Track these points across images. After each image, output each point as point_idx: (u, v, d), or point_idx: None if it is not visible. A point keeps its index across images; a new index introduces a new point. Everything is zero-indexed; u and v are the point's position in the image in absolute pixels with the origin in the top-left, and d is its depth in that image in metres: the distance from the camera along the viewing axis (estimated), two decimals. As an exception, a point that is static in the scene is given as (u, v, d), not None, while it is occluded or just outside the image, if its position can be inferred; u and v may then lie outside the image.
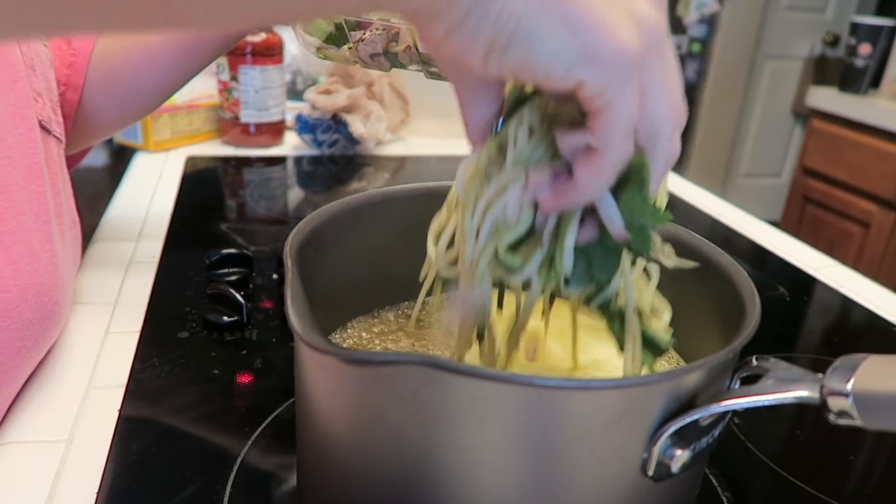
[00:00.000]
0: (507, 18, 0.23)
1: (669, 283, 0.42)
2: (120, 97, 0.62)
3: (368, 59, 0.50)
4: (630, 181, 0.28)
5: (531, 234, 0.31)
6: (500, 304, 0.36)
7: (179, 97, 1.12)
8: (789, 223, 2.22)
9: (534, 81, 0.26)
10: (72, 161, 0.64)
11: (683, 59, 2.81)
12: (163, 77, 0.62)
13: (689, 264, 0.34)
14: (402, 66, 0.51)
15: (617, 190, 0.29)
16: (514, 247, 0.31)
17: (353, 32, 0.50)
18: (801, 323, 0.70)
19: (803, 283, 0.77)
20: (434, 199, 0.45)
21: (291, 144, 1.13)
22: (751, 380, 0.31)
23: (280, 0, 0.21)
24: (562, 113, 0.29)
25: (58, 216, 0.51)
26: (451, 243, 0.36)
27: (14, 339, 0.44)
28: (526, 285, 0.31)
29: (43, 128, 0.51)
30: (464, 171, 0.32)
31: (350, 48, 0.51)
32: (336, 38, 0.51)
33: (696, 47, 2.80)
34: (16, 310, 0.43)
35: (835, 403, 0.27)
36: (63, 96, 0.58)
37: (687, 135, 2.95)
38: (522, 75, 0.25)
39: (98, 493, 0.39)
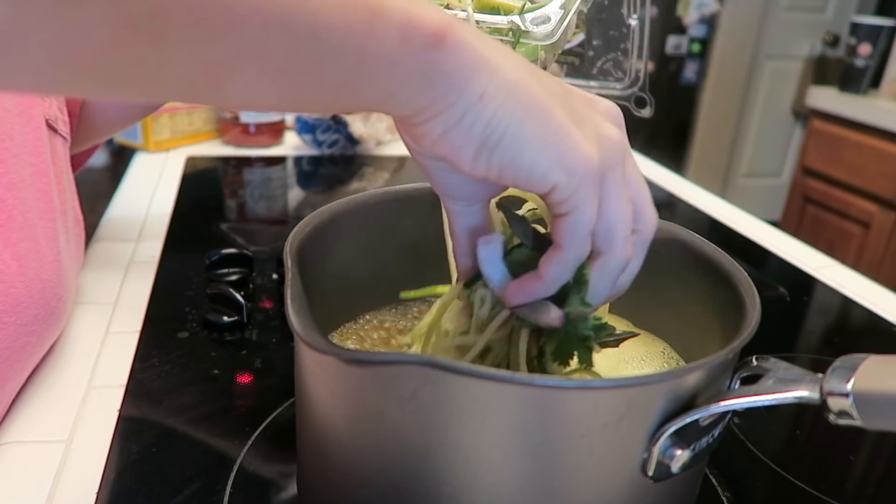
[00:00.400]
0: (498, 122, 0.27)
1: (670, 284, 0.42)
2: None
3: None
4: (573, 287, 0.31)
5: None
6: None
7: (179, 97, 1.12)
8: (789, 223, 2.22)
9: (514, 181, 0.28)
10: (77, 162, 0.64)
11: (683, 59, 2.81)
12: None
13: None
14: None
15: (561, 299, 0.31)
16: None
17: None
18: (801, 323, 0.70)
19: (803, 283, 0.77)
20: (434, 200, 0.45)
21: (291, 144, 1.13)
22: (751, 380, 0.30)
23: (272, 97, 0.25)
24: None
25: (62, 213, 0.52)
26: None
27: (20, 333, 0.44)
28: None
29: (49, 126, 0.52)
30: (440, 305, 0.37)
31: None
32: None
33: (696, 47, 2.79)
34: (21, 305, 0.44)
35: (835, 403, 0.27)
36: None
37: (687, 135, 2.96)
38: (506, 174, 0.28)
39: (98, 493, 0.39)
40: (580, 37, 0.56)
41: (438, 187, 0.33)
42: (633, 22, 0.55)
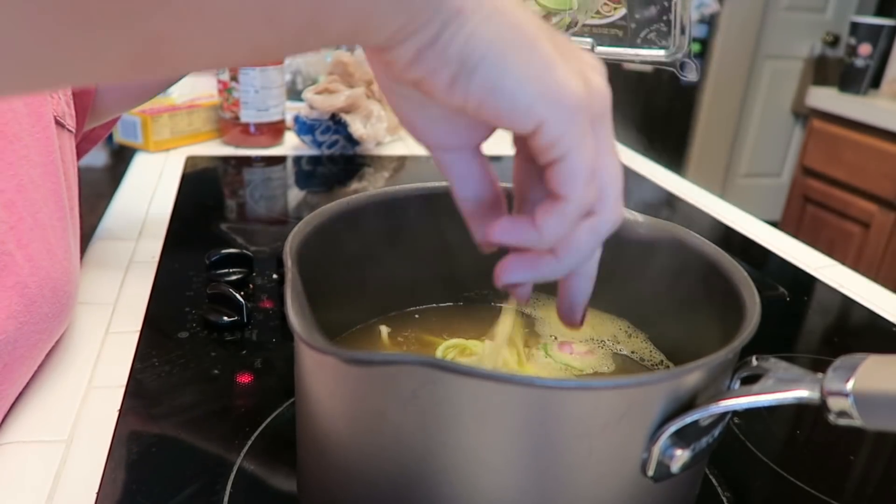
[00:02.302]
0: (478, 41, 0.23)
1: (670, 284, 0.42)
2: None
3: None
4: None
5: None
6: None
7: (179, 97, 1.12)
8: (789, 223, 2.22)
9: (496, 114, 0.25)
10: (94, 137, 0.65)
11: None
12: None
13: None
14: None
15: None
16: None
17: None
18: (801, 323, 0.70)
19: (803, 283, 0.77)
20: (434, 200, 0.45)
21: (291, 144, 1.13)
22: (751, 380, 0.30)
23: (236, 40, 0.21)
24: None
25: (70, 210, 0.52)
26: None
27: (33, 331, 0.45)
28: None
29: (57, 123, 0.52)
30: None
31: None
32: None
33: (696, 47, 2.80)
34: (34, 304, 0.44)
35: (835, 403, 0.27)
36: None
37: (687, 135, 2.96)
38: (486, 105, 0.25)
39: (98, 493, 0.39)
40: (622, 11, 0.57)
41: (415, 131, 0.29)
42: None
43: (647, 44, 0.58)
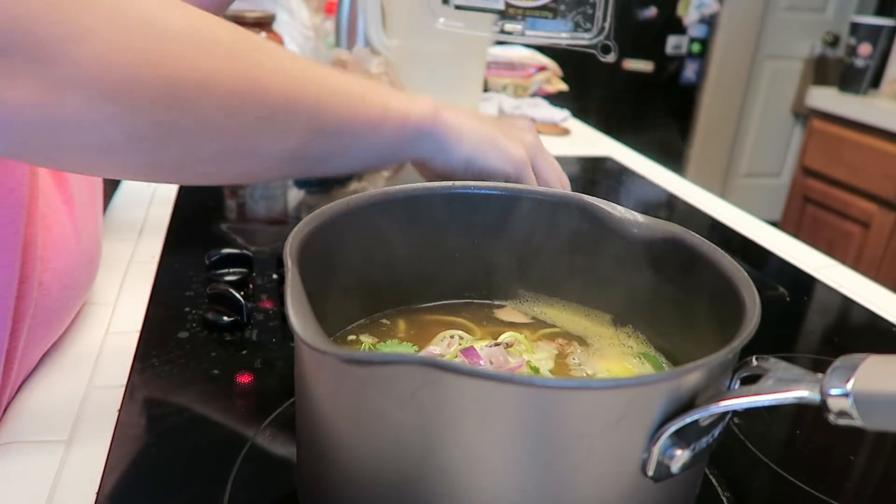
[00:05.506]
0: (472, 152, 0.48)
1: (670, 283, 0.42)
2: None
3: None
4: None
5: None
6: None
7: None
8: (789, 223, 2.22)
9: (483, 178, 0.49)
10: None
11: (683, 59, 2.81)
12: None
13: None
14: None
15: None
16: None
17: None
18: (801, 323, 0.70)
19: (803, 283, 0.77)
20: (434, 199, 0.46)
21: (291, 144, 1.12)
22: (751, 380, 0.30)
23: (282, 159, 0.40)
24: None
25: (99, 184, 0.61)
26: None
27: (69, 297, 0.52)
28: None
29: None
30: None
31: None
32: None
33: (696, 47, 2.80)
34: (75, 271, 0.52)
35: (835, 403, 0.27)
36: None
37: (687, 135, 2.96)
38: (480, 177, 0.49)
39: (98, 493, 0.39)
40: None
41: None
42: None
43: (574, 27, 0.65)
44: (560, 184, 0.53)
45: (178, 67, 0.32)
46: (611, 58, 0.64)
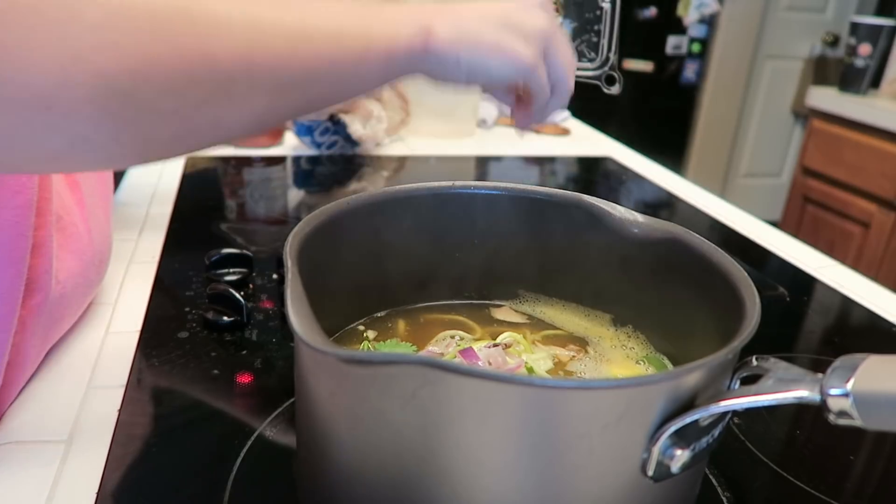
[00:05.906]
0: (474, 65, 0.42)
1: (670, 283, 0.42)
2: None
3: None
4: None
5: None
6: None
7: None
8: (789, 223, 2.22)
9: (489, 87, 0.47)
10: None
11: (683, 59, 2.80)
12: None
13: None
14: None
15: None
16: None
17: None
18: (801, 323, 0.70)
19: (803, 283, 0.77)
20: (434, 199, 0.46)
21: (291, 145, 1.13)
22: (751, 380, 0.30)
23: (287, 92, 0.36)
24: None
25: (109, 188, 0.63)
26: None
27: (83, 294, 0.54)
28: None
29: None
30: None
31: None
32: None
33: (696, 47, 2.79)
34: (88, 270, 0.53)
35: (835, 403, 0.27)
36: None
37: (687, 135, 2.95)
38: (486, 86, 0.46)
39: (98, 493, 0.39)
40: (558, 20, 0.61)
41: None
42: (606, 5, 0.60)
43: (578, 56, 0.63)
44: (568, 83, 0.48)
45: (106, 60, 0.28)
46: (615, 90, 0.61)
